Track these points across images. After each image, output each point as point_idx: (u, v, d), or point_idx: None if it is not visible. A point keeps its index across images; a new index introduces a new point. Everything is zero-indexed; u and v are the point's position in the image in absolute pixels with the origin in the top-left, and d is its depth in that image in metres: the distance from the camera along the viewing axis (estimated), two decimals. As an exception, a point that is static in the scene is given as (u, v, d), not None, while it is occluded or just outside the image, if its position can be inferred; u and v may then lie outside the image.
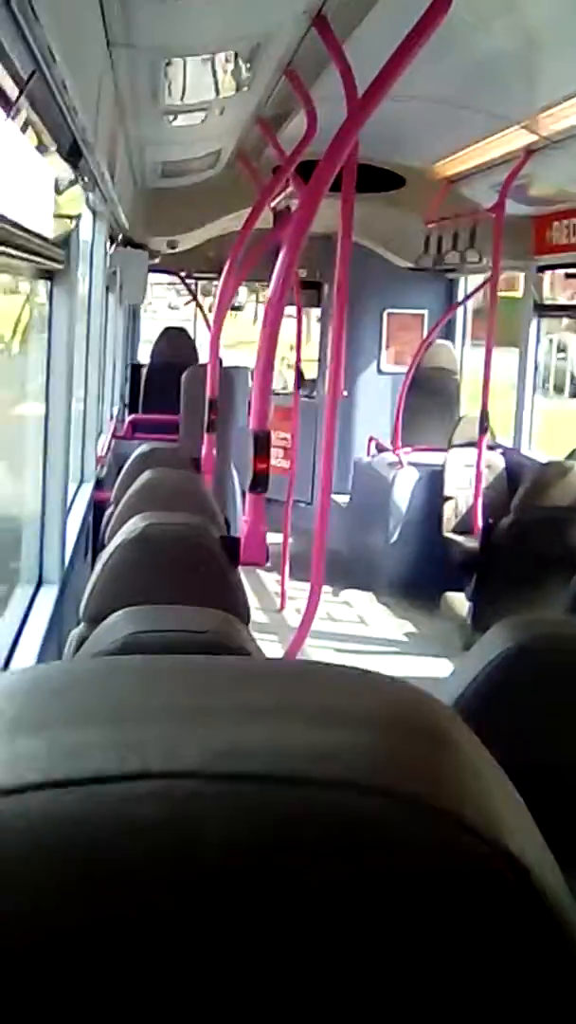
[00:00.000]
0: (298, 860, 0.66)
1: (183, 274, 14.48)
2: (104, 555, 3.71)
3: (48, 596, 5.77)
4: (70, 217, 5.51)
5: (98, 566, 3.69)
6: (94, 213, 8.22)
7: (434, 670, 8.16)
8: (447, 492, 10.40)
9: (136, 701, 0.80)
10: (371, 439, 12.18)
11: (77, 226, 5.89)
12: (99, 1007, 0.65)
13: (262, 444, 4.83)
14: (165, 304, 21.77)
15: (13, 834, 0.67)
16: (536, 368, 10.74)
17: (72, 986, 0.65)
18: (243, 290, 15.86)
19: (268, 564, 9.76)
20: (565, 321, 14.62)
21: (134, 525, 3.60)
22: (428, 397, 11.64)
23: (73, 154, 4.69)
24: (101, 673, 0.89)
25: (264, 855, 0.66)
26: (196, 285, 15.09)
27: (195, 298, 15.28)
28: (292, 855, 0.66)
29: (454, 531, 10.28)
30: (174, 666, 0.89)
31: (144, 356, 15.07)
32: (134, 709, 0.78)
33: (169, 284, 17.46)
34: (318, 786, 0.68)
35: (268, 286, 4.96)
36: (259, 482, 4.86)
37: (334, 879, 0.66)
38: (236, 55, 4.67)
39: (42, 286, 5.80)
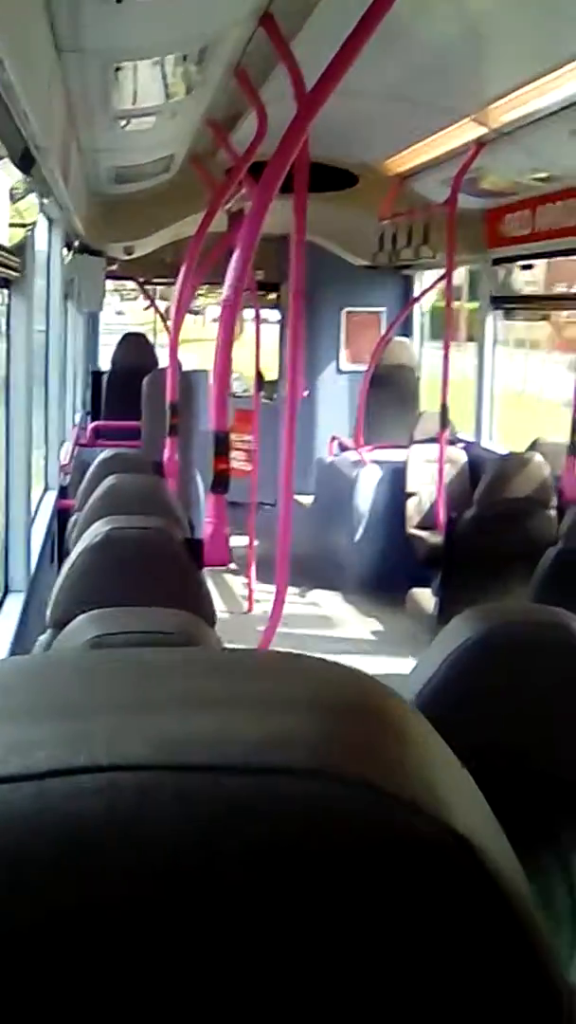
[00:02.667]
0: (245, 848, 0.66)
1: (141, 279, 14.48)
2: (68, 561, 3.71)
3: (15, 604, 5.77)
4: (25, 225, 5.51)
5: (63, 572, 3.70)
6: (49, 220, 8.22)
7: (402, 667, 8.18)
8: (410, 488, 10.42)
9: (82, 695, 0.79)
10: (333, 438, 12.20)
11: (33, 233, 5.89)
12: (49, 1005, 0.65)
13: (222, 444, 4.84)
14: (112, 310, 21.77)
15: None
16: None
17: (22, 985, 0.65)
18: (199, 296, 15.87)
19: (235, 567, 9.78)
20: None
21: (97, 530, 3.61)
22: (388, 394, 11.66)
23: (25, 161, 4.69)
24: (47, 668, 0.89)
25: (211, 845, 0.66)
26: (155, 290, 15.09)
27: (153, 303, 15.27)
28: (239, 844, 0.66)
29: (418, 527, 10.30)
30: (119, 659, 0.90)
31: (104, 362, 15.06)
32: (79, 703, 0.78)
33: (114, 289, 17.46)
34: (263, 773, 0.68)
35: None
36: (220, 482, 4.87)
37: (281, 865, 0.66)
38: (185, 57, 4.68)
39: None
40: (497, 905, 0.69)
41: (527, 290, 12.42)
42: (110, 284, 15.29)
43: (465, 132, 7.57)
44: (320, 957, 0.66)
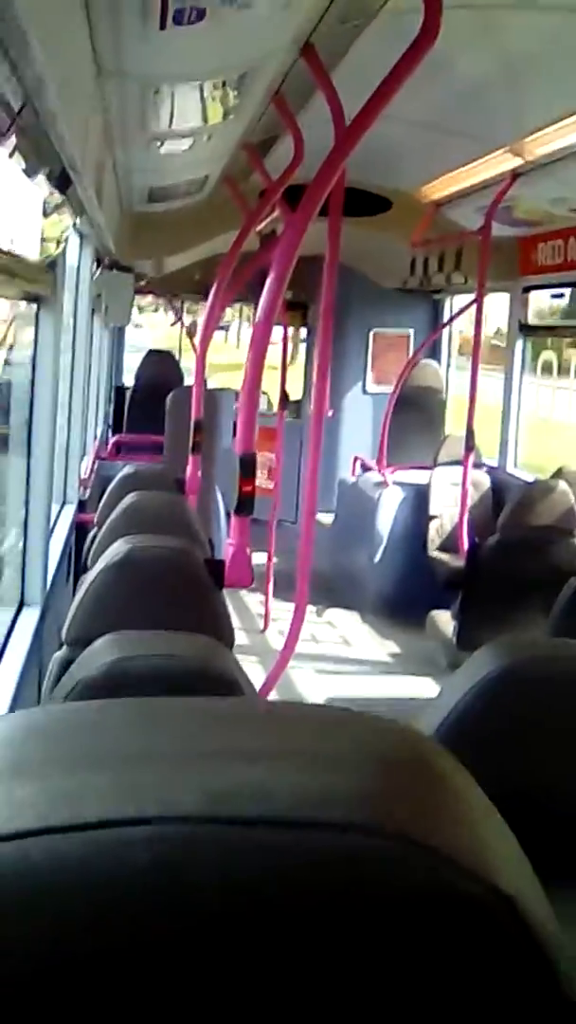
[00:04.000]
0: (290, 901, 0.67)
1: (169, 296, 14.50)
2: (87, 578, 3.71)
3: (30, 618, 5.77)
4: (57, 241, 5.53)
5: (81, 589, 3.69)
6: (81, 237, 8.24)
7: (420, 690, 8.17)
8: (432, 511, 10.41)
9: (130, 745, 0.80)
10: (356, 458, 12.20)
11: (64, 250, 5.91)
12: None
13: (248, 466, 4.83)
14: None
15: (13, 879, 0.67)
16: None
17: None
18: (228, 310, 15.88)
19: (252, 585, 9.78)
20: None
21: (118, 548, 3.61)
22: (413, 416, 11.65)
23: (62, 180, 4.71)
24: (94, 716, 0.89)
25: (256, 897, 0.67)
26: (182, 307, 15.11)
27: (180, 320, 15.29)
28: (284, 897, 0.67)
29: (439, 550, 10.29)
30: (166, 708, 0.90)
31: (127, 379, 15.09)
32: (128, 753, 0.78)
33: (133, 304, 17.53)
34: (309, 828, 0.69)
35: (252, 306, 4.97)
36: (244, 504, 4.86)
37: (325, 918, 0.67)
38: (224, 83, 4.69)
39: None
40: (539, 966, 0.69)
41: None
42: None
43: (501, 162, 7.58)
44: (359, 1013, 0.66)
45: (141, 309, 20.76)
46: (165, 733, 0.83)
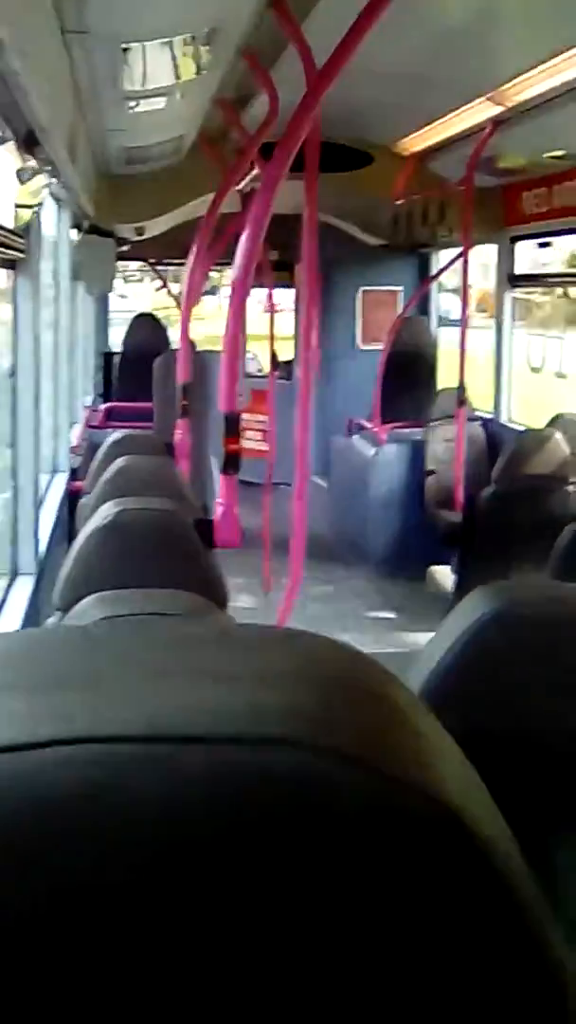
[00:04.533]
0: (236, 819, 0.66)
1: (152, 261, 14.45)
2: (77, 542, 3.70)
3: (24, 586, 5.77)
4: (31, 206, 5.49)
5: (71, 554, 3.68)
6: (57, 201, 8.19)
7: (421, 644, 8.16)
8: (428, 466, 10.40)
9: (78, 668, 0.80)
10: (349, 418, 12.18)
11: (38, 214, 5.87)
12: (31, 976, 0.64)
13: (232, 425, 4.82)
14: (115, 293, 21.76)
15: None
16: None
17: (5, 957, 0.64)
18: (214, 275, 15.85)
19: (242, 545, 9.74)
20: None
21: (107, 511, 3.60)
22: (405, 373, 11.63)
23: (30, 143, 4.66)
24: (27, 643, 0.88)
25: (203, 815, 0.66)
26: (166, 271, 15.06)
27: (165, 285, 15.25)
28: (230, 815, 0.66)
29: (436, 505, 10.27)
30: (117, 632, 0.90)
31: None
32: (75, 676, 0.78)
33: (119, 271, 17.45)
34: (255, 744, 0.68)
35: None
36: (231, 463, 4.85)
37: (272, 836, 0.66)
38: (194, 38, 4.63)
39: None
40: (490, 879, 0.68)
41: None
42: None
43: (481, 111, 7.53)
44: (310, 930, 0.65)
45: (126, 279, 20.67)
46: (99, 657, 0.82)
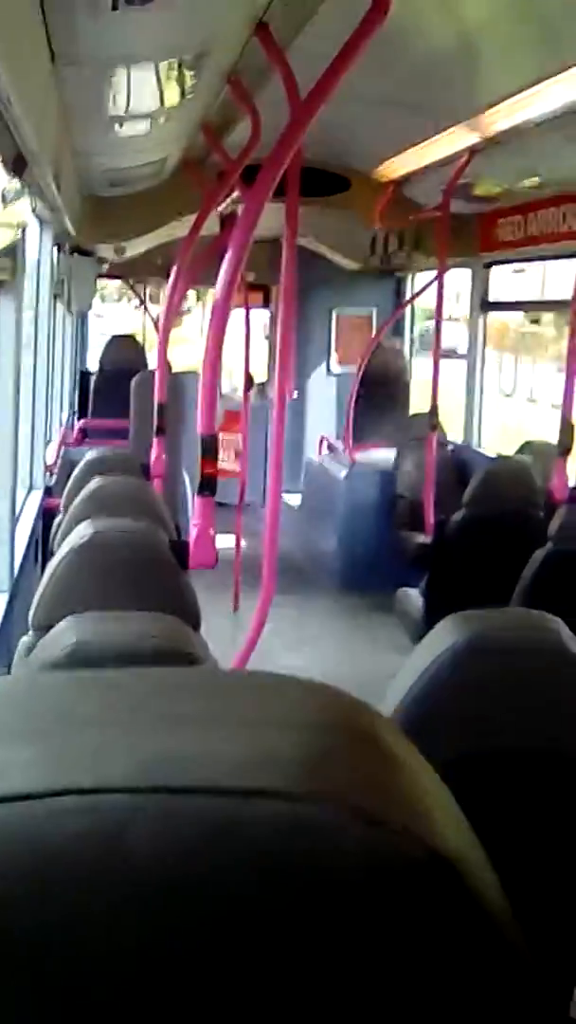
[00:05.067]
0: (226, 871, 0.66)
1: (131, 281, 14.47)
2: (52, 562, 3.70)
3: None
4: (15, 226, 5.52)
5: (46, 574, 3.69)
6: (40, 222, 8.21)
7: (389, 667, 8.17)
8: (399, 490, 10.43)
9: (63, 716, 0.79)
10: (322, 439, 12.20)
11: (23, 235, 5.90)
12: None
13: (210, 447, 4.84)
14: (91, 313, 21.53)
15: None
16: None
17: (7, 1004, 0.65)
18: (191, 294, 15.86)
19: (216, 566, 9.74)
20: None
21: (82, 531, 3.60)
22: (378, 396, 11.66)
23: (18, 165, 4.70)
24: (28, 688, 0.89)
25: (194, 866, 0.66)
26: (145, 291, 15.08)
27: (143, 304, 15.26)
28: (220, 865, 0.66)
29: (406, 528, 10.30)
30: (103, 680, 0.89)
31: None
32: (61, 723, 0.77)
33: (97, 290, 17.40)
34: (244, 796, 0.68)
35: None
36: (207, 485, 4.86)
37: (263, 888, 0.66)
38: (180, 64, 4.68)
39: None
40: (484, 929, 0.69)
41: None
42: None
43: (458, 139, 7.57)
44: (302, 978, 0.66)
45: (103, 298, 20.59)
46: (98, 703, 0.82)
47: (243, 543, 10.03)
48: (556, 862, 2.45)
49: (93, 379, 13.84)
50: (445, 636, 2.40)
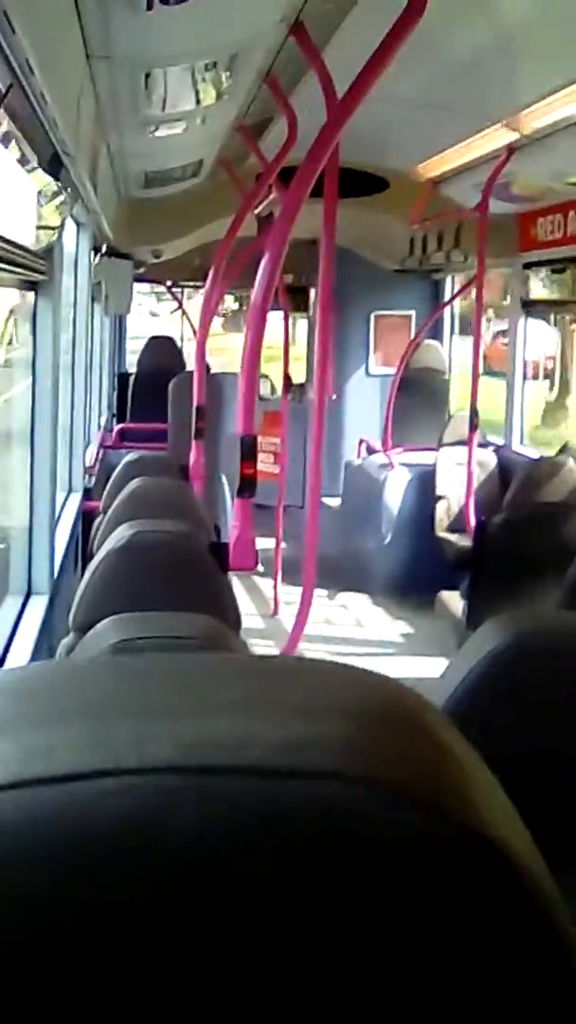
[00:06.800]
0: (270, 852, 0.66)
1: (169, 283, 14.49)
2: (92, 564, 3.71)
3: (38, 606, 5.78)
4: (53, 228, 5.53)
5: (86, 575, 3.70)
6: (77, 224, 8.24)
7: (430, 670, 8.16)
8: (439, 491, 10.40)
9: (107, 699, 0.80)
10: (361, 441, 12.19)
11: (60, 236, 5.91)
12: (78, 1006, 0.65)
13: (248, 449, 4.83)
14: (146, 311, 21.56)
15: None
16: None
17: (52, 986, 0.65)
18: (229, 298, 15.88)
19: (262, 569, 9.78)
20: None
21: (122, 533, 3.61)
22: (417, 397, 11.64)
23: (54, 166, 4.71)
24: (71, 673, 0.89)
25: (235, 847, 0.66)
26: (183, 293, 15.10)
27: (181, 306, 15.29)
28: (263, 847, 0.66)
29: (447, 530, 10.28)
30: (144, 664, 0.89)
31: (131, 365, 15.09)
32: (104, 707, 0.78)
33: (151, 290, 17.46)
34: (284, 777, 0.68)
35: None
36: (246, 487, 4.86)
37: (307, 870, 0.66)
38: (215, 64, 4.67)
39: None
40: (525, 907, 0.68)
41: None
42: (144, 286, 15.34)
43: (497, 138, 7.55)
44: (341, 960, 0.66)
45: (160, 297, 20.64)
46: (141, 688, 0.82)
47: (283, 545, 10.03)
48: None
49: (132, 381, 13.87)
50: (488, 639, 2.38)
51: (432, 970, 0.66)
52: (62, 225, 5.80)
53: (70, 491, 8.75)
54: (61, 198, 5.40)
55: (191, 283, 14.00)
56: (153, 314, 20.99)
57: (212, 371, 10.19)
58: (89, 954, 0.65)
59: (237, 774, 0.68)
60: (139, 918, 0.65)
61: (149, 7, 3.42)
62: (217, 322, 20.94)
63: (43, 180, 4.87)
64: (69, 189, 5.41)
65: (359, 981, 0.66)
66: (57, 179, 4.88)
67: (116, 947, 0.65)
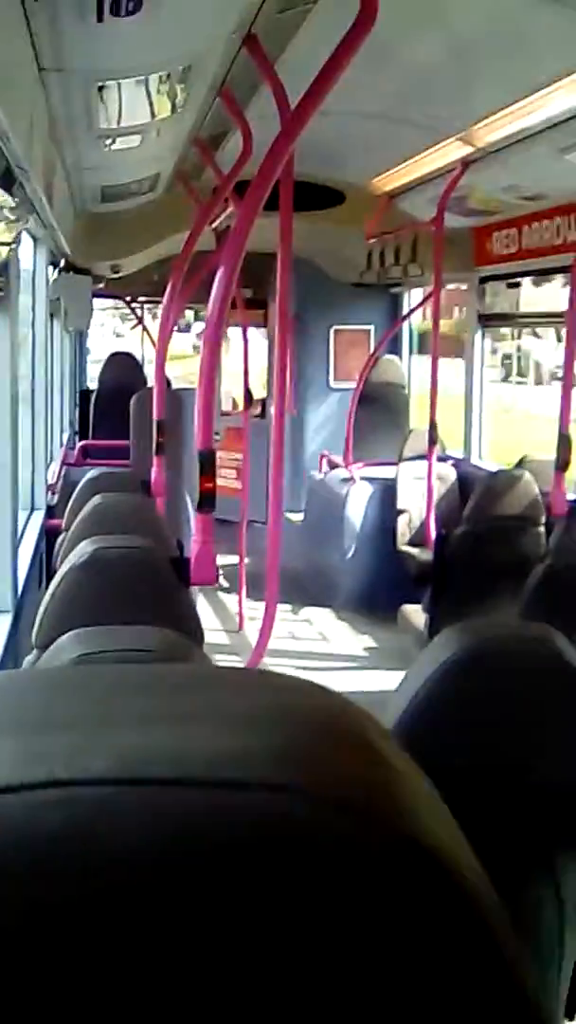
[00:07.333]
0: (206, 862, 0.66)
1: (128, 298, 14.47)
2: (54, 581, 3.70)
3: (2, 624, 5.76)
4: (7, 244, 5.51)
5: (48, 593, 3.68)
6: (34, 239, 8.21)
7: (393, 683, 8.14)
8: (400, 505, 10.43)
9: (43, 711, 0.79)
10: (323, 455, 12.20)
11: (16, 252, 5.89)
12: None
13: (207, 463, 4.83)
14: (110, 331, 21.48)
15: None
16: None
17: None
18: (189, 314, 15.88)
19: (227, 584, 9.76)
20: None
21: (83, 550, 3.60)
22: (378, 412, 11.66)
23: (7, 179, 4.69)
24: (8, 686, 0.88)
25: (170, 859, 0.66)
26: (143, 309, 15.09)
27: (140, 322, 15.27)
28: (200, 858, 0.66)
29: (408, 544, 10.30)
30: (88, 676, 0.89)
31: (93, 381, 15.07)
32: (40, 718, 0.77)
33: (114, 309, 17.43)
34: (223, 787, 0.68)
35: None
36: (206, 501, 4.86)
37: (242, 879, 0.66)
38: (169, 76, 4.67)
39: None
40: (463, 916, 0.68)
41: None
42: (106, 304, 15.31)
43: (451, 151, 7.58)
44: (273, 968, 0.65)
45: (124, 318, 20.58)
46: (80, 699, 0.81)
47: (247, 561, 10.03)
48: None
49: (93, 397, 13.84)
50: (444, 648, 2.39)
51: (366, 977, 0.66)
52: (17, 240, 5.78)
53: (33, 509, 8.72)
54: (15, 213, 5.38)
55: (151, 299, 13.98)
56: (118, 335, 20.90)
57: (173, 387, 10.18)
58: (25, 967, 0.64)
59: (173, 785, 0.68)
60: (76, 929, 0.64)
61: (100, 19, 3.42)
62: (192, 341, 20.96)
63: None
64: (23, 204, 5.40)
65: (292, 990, 0.65)
66: (10, 193, 4.87)
67: (47, 960, 0.64)
